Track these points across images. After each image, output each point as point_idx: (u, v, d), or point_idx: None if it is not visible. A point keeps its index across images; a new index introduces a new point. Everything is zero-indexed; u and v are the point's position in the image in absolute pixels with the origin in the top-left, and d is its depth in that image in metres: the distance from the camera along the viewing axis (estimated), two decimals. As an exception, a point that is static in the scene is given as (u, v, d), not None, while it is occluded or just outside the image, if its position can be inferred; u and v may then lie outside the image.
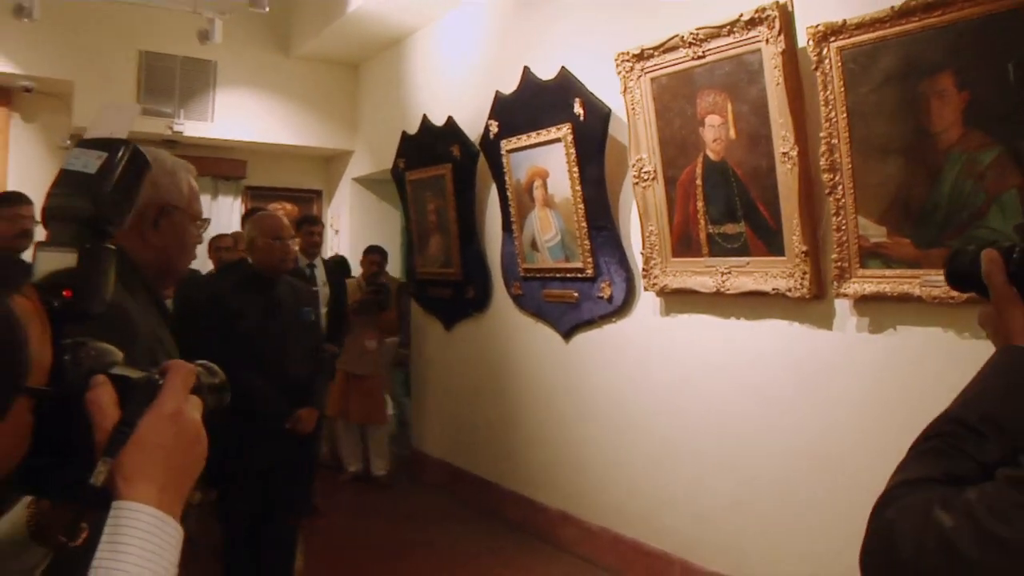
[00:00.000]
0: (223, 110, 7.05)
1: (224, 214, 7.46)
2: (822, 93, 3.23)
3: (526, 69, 4.95)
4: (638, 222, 4.26)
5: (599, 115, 4.42)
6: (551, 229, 4.93)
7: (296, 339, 3.77)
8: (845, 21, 3.12)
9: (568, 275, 4.85)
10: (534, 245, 5.10)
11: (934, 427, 1.02)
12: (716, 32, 3.61)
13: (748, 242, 3.70)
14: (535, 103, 4.86)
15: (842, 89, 3.17)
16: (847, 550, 0.96)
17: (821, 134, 3.27)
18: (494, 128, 5.22)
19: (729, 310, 3.88)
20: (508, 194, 5.22)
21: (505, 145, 5.13)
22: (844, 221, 3.26)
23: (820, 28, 3.19)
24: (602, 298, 4.61)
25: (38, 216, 1.03)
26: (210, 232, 5.67)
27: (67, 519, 0.93)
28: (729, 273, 3.78)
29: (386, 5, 6.13)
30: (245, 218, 5.37)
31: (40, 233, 0.93)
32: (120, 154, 0.91)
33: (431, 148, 5.96)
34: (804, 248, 3.42)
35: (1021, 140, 2.77)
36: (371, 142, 7.37)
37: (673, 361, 4.20)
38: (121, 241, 1.79)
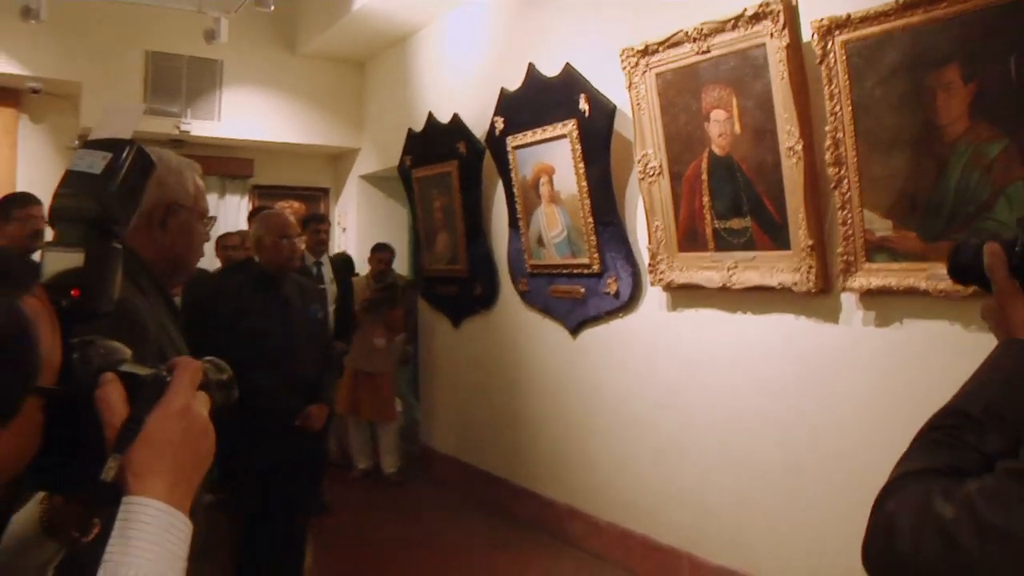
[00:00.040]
0: (230, 109, 7.07)
1: (231, 213, 7.48)
2: (827, 87, 3.23)
3: (531, 66, 4.96)
4: (644, 217, 4.27)
5: (604, 111, 4.42)
6: (557, 225, 4.94)
7: (304, 337, 3.79)
8: (849, 15, 3.11)
9: (575, 271, 4.85)
10: (540, 241, 5.11)
11: (936, 419, 1.02)
12: (720, 27, 3.61)
13: (754, 237, 3.70)
14: (540, 100, 4.86)
15: (847, 83, 3.17)
16: (854, 544, 0.97)
17: (826, 128, 3.27)
18: (500, 125, 5.23)
19: (735, 305, 3.88)
20: (514, 190, 5.23)
21: (511, 142, 5.14)
22: (850, 215, 3.26)
23: (824, 22, 3.19)
24: (609, 294, 4.62)
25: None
26: (218, 230, 5.70)
27: (79, 514, 0.95)
28: (735, 268, 3.78)
29: (391, 3, 6.14)
30: (251, 217, 5.39)
31: (50, 233, 0.95)
32: (125, 154, 0.93)
33: (437, 145, 5.98)
34: (810, 242, 3.42)
35: (1027, 132, 2.76)
36: (377, 140, 7.38)
37: (680, 356, 4.21)
38: (130, 240, 1.82)
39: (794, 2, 3.35)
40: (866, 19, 3.07)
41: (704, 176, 3.89)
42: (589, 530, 4.78)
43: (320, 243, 5.85)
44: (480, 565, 4.65)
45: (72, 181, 0.92)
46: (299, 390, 3.72)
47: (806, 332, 3.57)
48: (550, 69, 4.80)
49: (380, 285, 6.34)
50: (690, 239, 4.02)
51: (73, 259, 0.88)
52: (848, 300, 3.39)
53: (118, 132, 0.94)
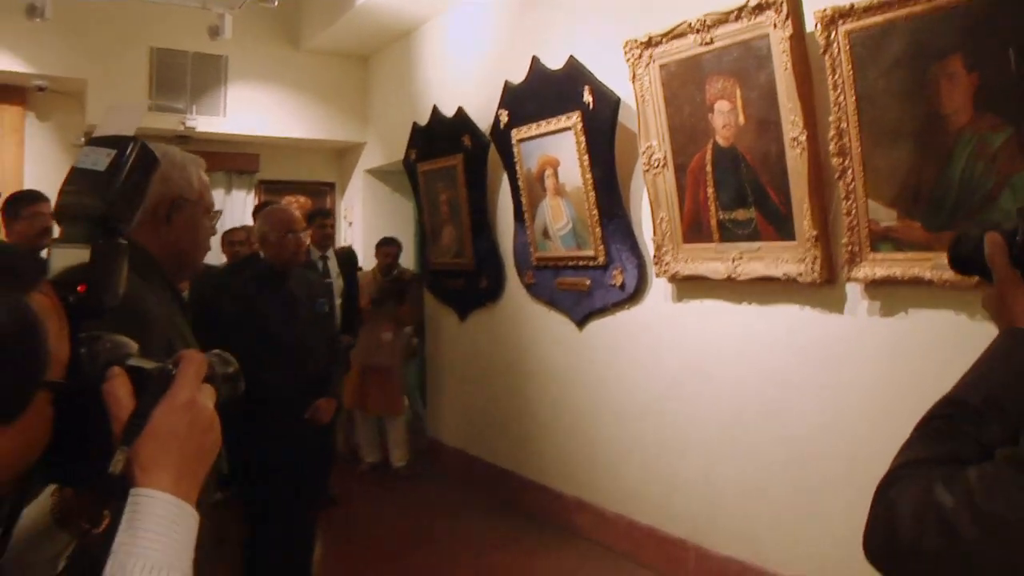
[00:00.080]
0: (235, 105, 7.08)
1: (238, 208, 7.50)
2: (831, 77, 3.23)
3: (535, 59, 4.96)
4: (649, 209, 4.27)
5: (608, 103, 4.42)
6: (563, 218, 4.94)
7: (312, 331, 3.81)
8: (853, 5, 3.11)
9: (580, 263, 4.86)
10: (546, 234, 5.11)
11: (937, 409, 1.03)
12: (724, 18, 3.60)
13: (759, 227, 3.70)
14: (544, 92, 4.87)
15: (851, 73, 3.17)
16: (860, 534, 0.98)
17: (830, 118, 3.27)
18: (504, 118, 5.23)
19: (740, 295, 3.89)
20: (519, 183, 5.23)
21: (515, 135, 5.14)
22: (854, 205, 3.26)
23: (828, 12, 3.18)
24: (614, 286, 4.63)
25: (55, 212, 1.05)
26: (224, 226, 5.72)
27: (89, 507, 0.97)
28: (740, 259, 3.79)
29: (395, -3, 6.14)
30: (256, 212, 5.40)
31: (58, 230, 0.96)
32: (129, 151, 0.94)
33: (442, 139, 5.98)
34: (814, 233, 3.42)
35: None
36: (383, 134, 7.39)
37: (685, 347, 4.21)
38: (136, 235, 1.85)
39: (797, -8, 3.35)
40: (869, 9, 3.07)
41: (708, 167, 3.89)
42: (596, 522, 4.79)
43: (325, 237, 5.86)
44: (488, 557, 4.67)
45: (77, 178, 0.93)
46: (307, 384, 3.74)
47: (811, 322, 3.58)
48: (554, 62, 4.80)
49: (388, 278, 6.35)
50: (695, 230, 4.02)
51: (79, 255, 0.89)
52: (853, 290, 3.39)
53: (122, 129, 0.95)
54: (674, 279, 4.20)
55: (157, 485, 0.83)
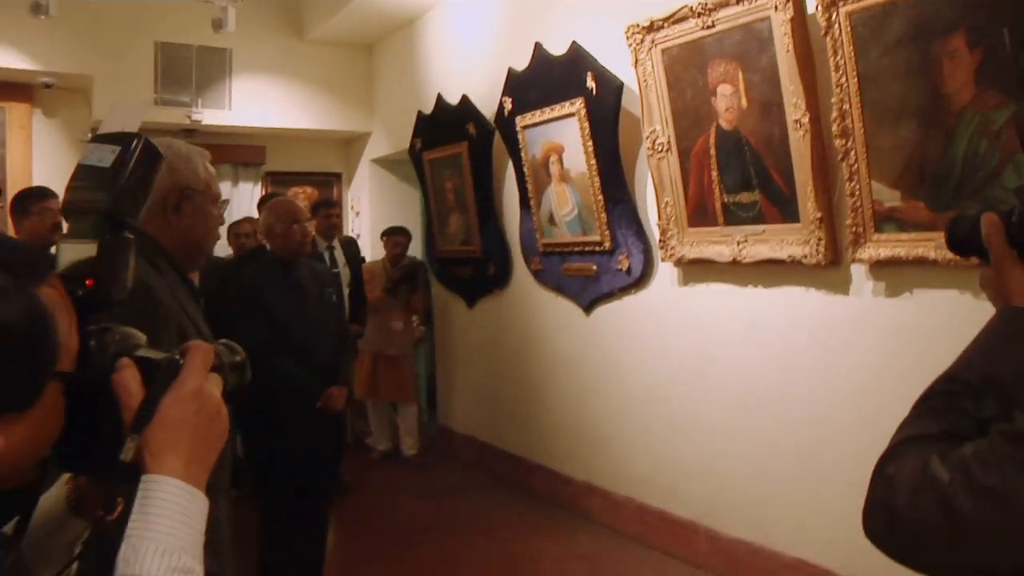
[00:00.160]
0: (240, 97, 7.09)
1: (245, 200, 7.51)
2: (832, 59, 3.23)
3: (538, 45, 4.96)
4: (654, 194, 4.28)
5: (611, 88, 4.43)
6: (568, 204, 4.96)
7: (321, 320, 3.84)
8: (853, -15, 3.10)
9: (586, 249, 4.88)
10: (552, 220, 5.13)
11: (935, 386, 1.04)
12: (725, 1, 3.60)
13: (763, 210, 3.71)
14: (548, 79, 4.87)
15: (852, 54, 3.17)
16: (864, 514, 1.00)
17: (832, 100, 3.27)
18: (508, 105, 5.24)
19: (746, 278, 3.90)
20: (524, 170, 5.24)
21: (520, 121, 5.15)
22: (858, 186, 3.26)
23: (828, -7, 3.18)
24: (620, 270, 4.64)
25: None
26: (232, 218, 5.74)
27: (103, 494, 0.99)
28: (745, 242, 3.80)
29: (397, -14, 6.15)
30: (261, 205, 5.43)
31: (67, 225, 0.99)
32: (133, 146, 0.96)
33: (447, 127, 5.99)
34: (819, 214, 3.43)
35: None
36: (388, 123, 7.40)
37: (692, 330, 4.23)
38: (147, 226, 1.89)
39: (797, -27, 3.35)
40: (870, -11, 3.06)
41: (712, 151, 3.89)
42: (607, 506, 4.83)
43: (331, 228, 5.87)
44: (500, 542, 4.71)
45: (83, 175, 0.95)
46: (317, 373, 3.77)
47: (817, 304, 3.59)
48: (557, 48, 4.80)
49: (399, 267, 6.37)
50: (700, 214, 4.03)
51: (87, 250, 0.92)
52: (858, 271, 3.40)
53: (126, 126, 0.98)
54: (680, 263, 4.21)
55: (167, 471, 0.86)
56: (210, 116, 6.96)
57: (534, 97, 4.99)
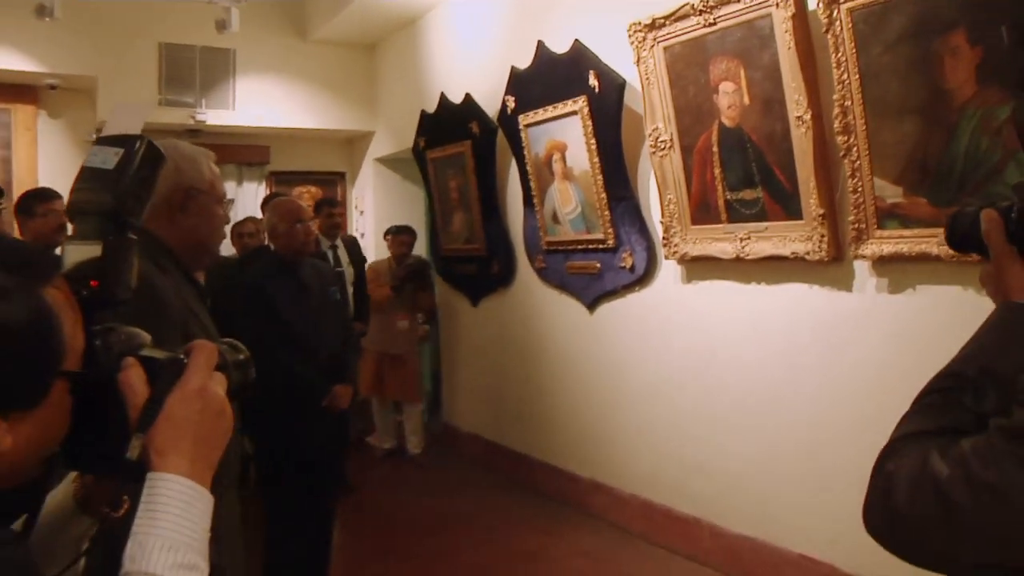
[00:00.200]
0: (244, 97, 7.12)
1: (249, 200, 7.53)
2: (834, 56, 3.23)
3: (540, 43, 4.97)
4: (657, 191, 4.29)
5: (614, 86, 4.43)
6: (571, 201, 4.96)
7: (326, 319, 3.85)
8: (854, -19, 3.11)
9: (590, 246, 4.89)
10: (555, 218, 5.14)
11: (934, 382, 1.05)
12: (726, -2, 3.60)
13: (766, 207, 3.71)
14: (550, 77, 4.88)
15: (854, 51, 3.17)
16: (869, 510, 1.00)
17: (834, 97, 3.27)
18: (511, 103, 5.25)
19: (749, 275, 3.90)
20: (528, 168, 5.25)
21: (522, 120, 5.16)
22: (860, 183, 3.27)
23: (829, -10, 3.18)
24: (624, 268, 4.65)
25: (68, 209, 1.09)
26: (236, 218, 5.76)
27: (110, 491, 1.01)
28: (748, 238, 3.80)
29: (399, -15, 6.16)
30: (264, 205, 5.44)
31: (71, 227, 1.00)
32: (136, 148, 0.98)
33: (450, 125, 6.00)
34: (821, 211, 3.43)
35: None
36: (391, 122, 7.41)
37: (696, 328, 4.24)
38: (153, 226, 1.92)
39: (799, -29, 3.35)
40: (871, -15, 3.06)
41: (715, 148, 3.90)
42: (612, 503, 4.84)
43: (334, 227, 5.89)
44: (505, 540, 4.72)
45: (87, 177, 0.97)
46: (322, 372, 3.78)
47: (820, 300, 3.59)
48: (559, 46, 4.81)
49: (406, 265, 6.38)
50: (703, 211, 4.04)
51: (92, 251, 0.93)
52: (861, 268, 3.41)
53: (129, 128, 0.99)
54: (683, 260, 4.22)
55: (172, 469, 0.87)
56: (214, 116, 6.99)
57: (537, 95, 5.00)
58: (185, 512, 0.86)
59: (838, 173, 3.40)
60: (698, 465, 4.25)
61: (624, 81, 4.38)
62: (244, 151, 7.60)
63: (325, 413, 3.77)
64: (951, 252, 2.95)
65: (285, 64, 7.27)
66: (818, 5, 3.24)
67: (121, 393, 0.89)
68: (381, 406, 6.55)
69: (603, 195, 4.64)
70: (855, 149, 3.26)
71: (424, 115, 6.34)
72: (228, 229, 4.44)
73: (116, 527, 0.95)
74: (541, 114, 4.98)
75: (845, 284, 3.48)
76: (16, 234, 3.96)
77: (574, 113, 4.69)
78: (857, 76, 3.18)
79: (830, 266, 3.50)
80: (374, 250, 7.41)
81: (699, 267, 4.18)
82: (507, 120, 5.33)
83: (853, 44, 3.16)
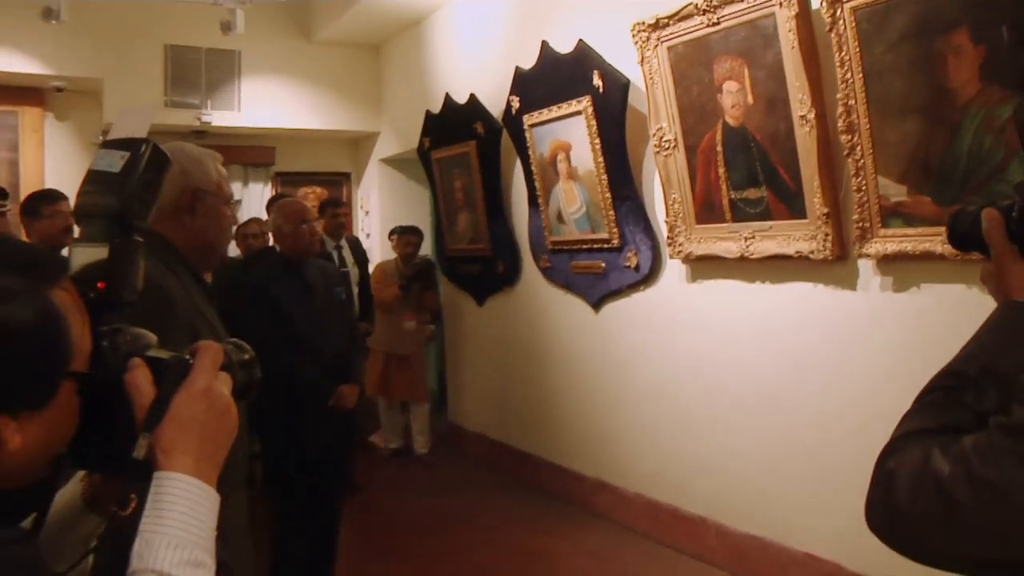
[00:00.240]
0: (249, 98, 7.14)
1: (255, 201, 7.55)
2: (837, 54, 3.23)
3: (544, 44, 4.97)
4: (661, 190, 4.29)
5: (618, 86, 4.44)
6: (576, 201, 4.97)
7: (331, 319, 3.87)
8: (858, -19, 3.11)
9: (595, 246, 4.89)
10: (560, 218, 5.14)
11: (935, 381, 1.05)
12: (730, -2, 3.61)
13: (770, 206, 3.72)
14: (555, 77, 4.89)
15: (857, 50, 3.17)
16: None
17: (838, 96, 3.28)
18: (516, 103, 5.26)
19: (754, 274, 3.91)
20: (532, 168, 5.26)
21: (527, 120, 5.17)
22: (864, 181, 3.27)
23: (833, -11, 3.18)
24: (629, 267, 4.66)
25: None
26: (242, 218, 5.77)
27: (117, 490, 1.02)
28: (752, 238, 3.81)
29: (404, -14, 6.17)
30: (269, 206, 5.46)
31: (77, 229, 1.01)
32: (141, 151, 0.99)
33: (455, 126, 6.01)
34: (825, 210, 3.43)
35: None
36: (396, 122, 7.43)
37: (701, 327, 4.24)
38: (161, 228, 1.94)
39: (802, -30, 3.35)
40: (874, -16, 3.06)
41: (719, 147, 3.90)
42: (617, 502, 4.84)
43: (339, 227, 5.90)
44: (510, 539, 4.73)
45: (94, 180, 0.98)
46: (329, 371, 3.80)
47: (824, 299, 3.59)
48: (563, 46, 4.81)
49: (412, 265, 6.39)
50: (707, 210, 4.04)
51: (98, 253, 0.95)
52: (865, 266, 3.41)
53: (134, 131, 1.00)
54: (688, 259, 4.23)
55: (179, 468, 0.88)
56: (219, 118, 7.01)
57: (541, 95, 5.00)
58: (191, 510, 0.87)
59: (842, 172, 3.40)
60: (703, 464, 4.25)
61: (628, 81, 4.39)
62: (249, 152, 7.63)
63: (331, 413, 3.78)
64: (955, 251, 2.96)
65: (290, 65, 7.29)
66: (821, 4, 3.24)
67: (128, 393, 0.90)
68: (388, 406, 6.56)
69: (608, 195, 4.64)
70: (859, 148, 3.26)
71: (429, 115, 6.36)
72: (233, 230, 4.47)
73: (124, 525, 0.96)
74: (546, 114, 4.99)
75: (849, 283, 3.49)
76: (22, 235, 3.97)
77: (578, 113, 4.69)
78: (861, 75, 3.19)
79: (834, 265, 3.50)
80: (379, 250, 7.43)
81: (703, 266, 4.18)
82: (512, 120, 5.34)
83: (857, 43, 3.17)
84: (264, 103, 7.19)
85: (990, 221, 1.09)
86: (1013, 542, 0.87)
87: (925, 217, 3.12)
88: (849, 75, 3.22)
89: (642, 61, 4.13)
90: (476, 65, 5.95)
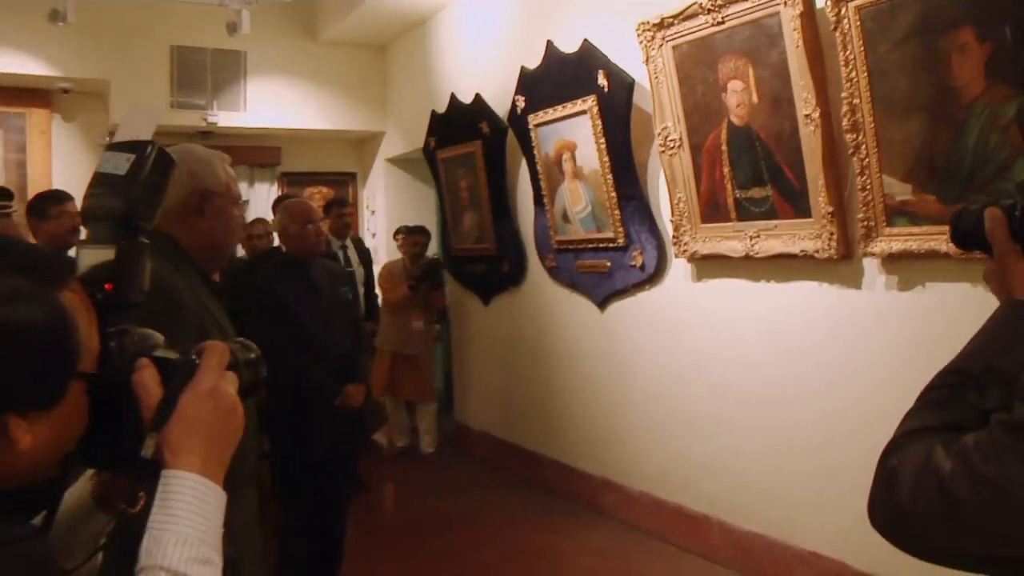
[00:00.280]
0: (255, 99, 7.16)
1: (261, 201, 7.56)
2: (842, 53, 3.23)
3: (549, 43, 4.98)
4: (666, 190, 4.30)
5: (623, 86, 4.44)
6: (581, 201, 4.98)
7: (337, 319, 3.88)
8: (862, -20, 3.11)
9: (600, 245, 4.90)
10: (566, 217, 5.15)
11: (938, 379, 1.06)
12: (734, -3, 3.61)
13: (775, 205, 3.72)
14: (560, 77, 4.89)
15: (862, 48, 3.17)
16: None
17: (843, 94, 3.28)
18: (521, 103, 5.26)
19: (759, 273, 3.91)
20: (538, 168, 5.27)
21: (532, 120, 5.17)
22: (869, 180, 3.27)
23: (837, -12, 3.18)
24: (634, 266, 4.66)
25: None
26: (248, 218, 5.79)
27: (126, 488, 1.03)
28: (757, 237, 3.81)
29: (409, -14, 6.18)
30: (275, 206, 5.48)
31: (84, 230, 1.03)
32: (147, 154, 1.00)
33: (460, 126, 6.02)
34: (830, 209, 3.43)
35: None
36: (402, 122, 7.44)
37: (706, 326, 4.24)
38: (170, 228, 1.96)
39: (806, -31, 3.35)
40: (879, -17, 3.06)
41: (724, 147, 3.90)
42: (623, 501, 4.85)
43: (344, 227, 5.91)
44: (516, 537, 4.74)
45: (100, 182, 0.99)
46: (336, 371, 3.81)
47: (829, 298, 3.60)
48: (568, 46, 4.82)
49: (421, 265, 6.41)
50: (712, 210, 4.04)
51: (105, 254, 0.96)
52: (870, 265, 3.41)
53: (140, 134, 1.01)
54: (693, 258, 4.23)
55: (186, 467, 0.90)
56: (225, 118, 7.03)
57: (546, 95, 5.01)
58: (198, 508, 0.88)
59: (847, 171, 3.40)
60: (708, 462, 4.26)
61: (633, 80, 4.39)
62: (255, 152, 7.65)
63: (337, 413, 3.79)
64: (959, 249, 2.96)
65: (296, 65, 7.31)
66: (826, 3, 3.24)
67: (135, 393, 0.92)
68: (395, 405, 6.58)
69: (613, 194, 4.65)
70: (864, 147, 3.26)
71: (434, 115, 6.37)
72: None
73: (133, 523, 0.97)
74: (551, 114, 5.00)
75: (854, 282, 3.49)
76: (29, 236, 3.99)
77: (583, 112, 4.70)
78: (865, 74, 3.19)
79: (839, 264, 3.50)
80: (385, 250, 7.44)
81: (709, 265, 4.19)
82: (517, 120, 5.34)
83: (861, 42, 3.16)
84: (270, 103, 7.21)
85: (993, 220, 1.09)
86: (1014, 539, 0.88)
87: (930, 216, 3.12)
88: (854, 74, 3.22)
89: (647, 60, 4.14)
90: (481, 65, 5.96)
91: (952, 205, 3.01)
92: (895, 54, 3.10)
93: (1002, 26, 2.80)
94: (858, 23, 3.16)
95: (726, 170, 3.91)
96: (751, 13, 3.57)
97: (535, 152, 5.24)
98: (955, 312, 3.07)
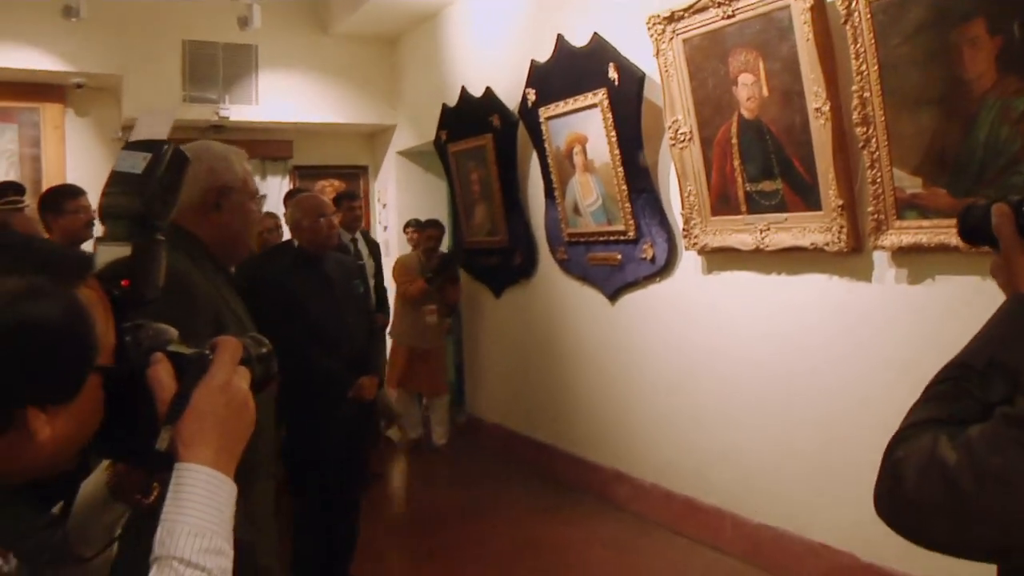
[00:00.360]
0: (266, 92, 7.18)
1: (273, 194, 7.58)
2: (852, 46, 3.23)
3: (560, 37, 4.98)
4: (677, 183, 4.30)
5: (633, 79, 4.44)
6: (592, 194, 4.99)
7: (350, 312, 3.91)
8: (873, -27, 3.10)
9: (611, 238, 4.91)
10: (577, 210, 5.16)
11: (944, 372, 1.07)
12: (745, -10, 3.61)
13: (785, 198, 3.72)
14: (570, 70, 4.90)
15: (872, 42, 3.16)
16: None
17: (853, 88, 3.27)
18: (532, 96, 5.27)
19: (769, 266, 3.91)
20: (549, 161, 5.28)
21: (543, 113, 5.18)
22: (879, 174, 3.27)
23: (848, -20, 3.18)
24: (645, 259, 4.67)
25: (95, 205, 1.14)
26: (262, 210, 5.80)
27: (141, 480, 1.06)
28: (768, 230, 3.81)
29: (420, -21, 6.19)
30: (286, 200, 5.50)
31: (100, 226, 1.05)
32: (163, 153, 1.02)
33: (471, 119, 6.04)
34: (840, 202, 3.43)
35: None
36: (413, 115, 7.45)
37: (716, 318, 4.25)
38: (188, 223, 2.00)
39: (817, -38, 3.34)
40: (889, -24, 3.06)
41: (734, 140, 3.90)
42: (634, 493, 4.86)
43: (354, 220, 5.93)
44: (527, 529, 4.76)
45: (117, 181, 1.02)
46: (348, 363, 3.83)
47: (839, 291, 3.60)
48: (579, 39, 4.82)
49: (436, 258, 6.42)
50: (722, 203, 4.05)
51: (122, 251, 0.98)
52: (880, 258, 3.41)
53: (155, 133, 1.03)
54: (703, 251, 4.23)
55: (199, 459, 0.92)
56: (237, 112, 7.06)
57: (557, 88, 5.02)
58: (210, 500, 0.91)
59: (857, 164, 3.39)
60: (718, 455, 4.27)
61: (643, 74, 4.40)
62: (267, 146, 7.67)
63: (349, 406, 3.82)
64: (969, 243, 2.96)
65: (307, 59, 7.32)
66: (836, -4, 3.24)
67: (150, 387, 0.94)
68: (407, 398, 6.60)
69: (623, 187, 4.65)
70: (874, 140, 3.25)
71: (445, 108, 6.38)
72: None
73: (147, 513, 0.99)
74: (561, 107, 5.00)
75: (864, 275, 3.49)
76: (43, 231, 4.02)
77: (594, 106, 4.70)
78: (876, 67, 3.18)
79: (849, 257, 3.50)
80: (397, 243, 7.46)
81: (719, 258, 4.19)
82: (528, 113, 5.35)
83: (872, 35, 3.16)
84: (281, 97, 7.23)
85: (1000, 216, 1.10)
86: (1017, 530, 0.89)
87: (940, 209, 3.11)
88: (864, 67, 3.21)
89: (657, 54, 4.13)
90: (492, 58, 5.97)
91: (963, 198, 3.00)
92: (906, 47, 3.09)
93: (1013, 19, 2.79)
94: (869, 16, 3.15)
95: (736, 163, 3.91)
96: (761, 6, 3.57)
97: (546, 145, 5.25)
98: (965, 305, 3.07)
